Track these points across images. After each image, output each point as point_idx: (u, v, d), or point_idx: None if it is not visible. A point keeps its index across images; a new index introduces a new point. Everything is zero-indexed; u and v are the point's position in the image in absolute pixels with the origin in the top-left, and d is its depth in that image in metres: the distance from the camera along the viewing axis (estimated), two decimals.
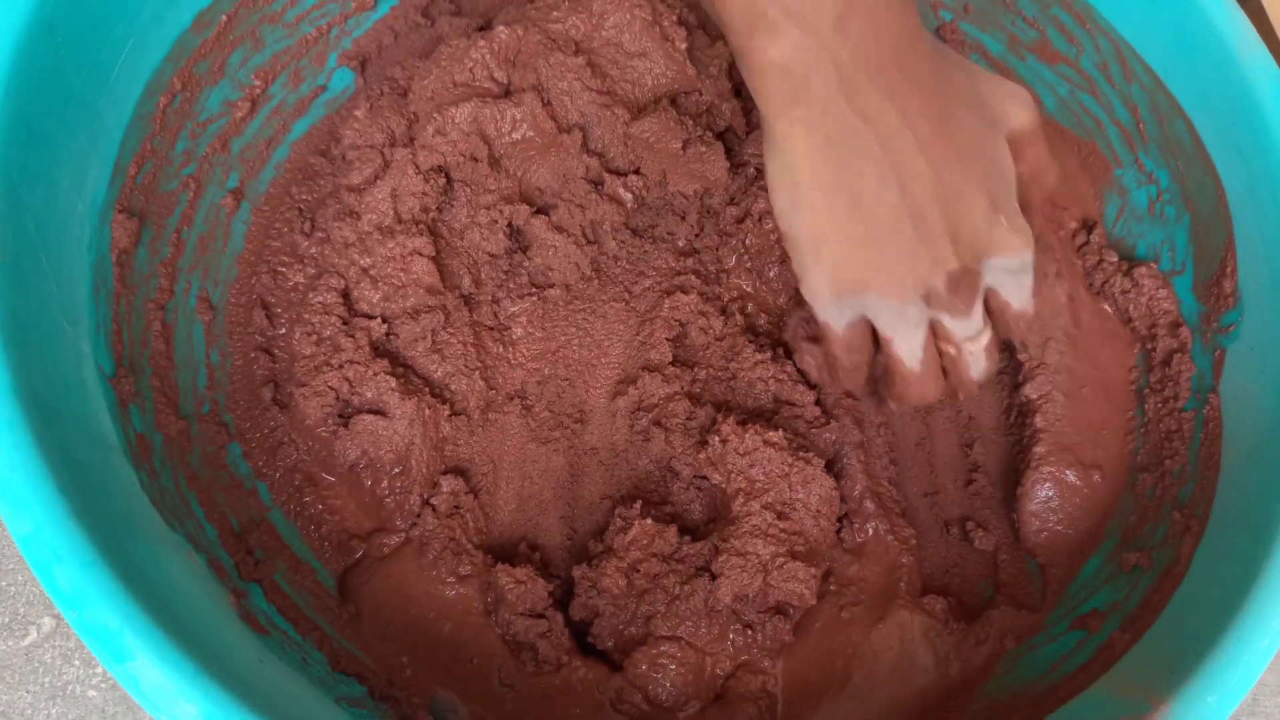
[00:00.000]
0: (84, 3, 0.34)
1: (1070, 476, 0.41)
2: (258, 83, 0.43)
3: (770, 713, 0.37)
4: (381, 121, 0.43)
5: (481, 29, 0.45)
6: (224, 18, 0.40)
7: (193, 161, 0.40)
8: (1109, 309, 0.44)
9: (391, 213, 0.41)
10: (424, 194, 0.41)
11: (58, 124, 0.33)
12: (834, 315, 0.35)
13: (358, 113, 0.44)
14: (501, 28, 0.42)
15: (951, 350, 0.36)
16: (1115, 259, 0.44)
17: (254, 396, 0.40)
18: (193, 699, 0.26)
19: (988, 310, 0.36)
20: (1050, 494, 0.41)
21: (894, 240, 0.32)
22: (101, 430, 0.32)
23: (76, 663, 0.41)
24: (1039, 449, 0.41)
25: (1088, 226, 0.46)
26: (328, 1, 0.44)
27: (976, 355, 0.36)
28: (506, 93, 0.43)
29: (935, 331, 0.35)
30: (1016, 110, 0.34)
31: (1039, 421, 0.42)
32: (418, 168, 0.41)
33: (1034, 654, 0.38)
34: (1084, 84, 0.46)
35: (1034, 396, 0.42)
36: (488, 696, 0.37)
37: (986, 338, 0.36)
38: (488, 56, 0.42)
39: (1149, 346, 0.43)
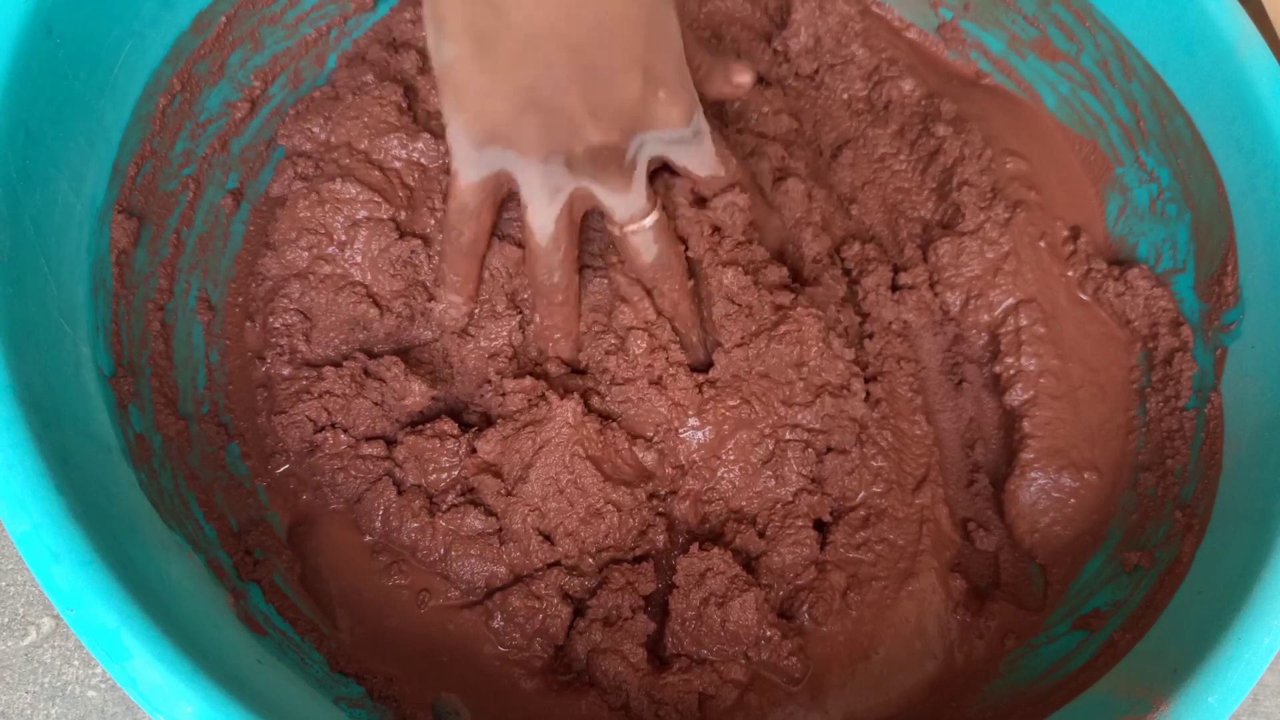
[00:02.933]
0: (82, 4, 0.34)
1: (1065, 479, 0.41)
2: (257, 83, 0.43)
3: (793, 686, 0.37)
4: (304, 126, 0.43)
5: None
6: (223, 19, 0.40)
7: (192, 162, 0.40)
8: (1103, 313, 0.44)
9: (300, 241, 0.41)
10: (320, 228, 0.40)
11: (56, 125, 0.33)
12: (470, 165, 0.35)
13: (288, 112, 0.43)
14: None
15: (615, 231, 0.36)
16: (1104, 265, 0.44)
17: (253, 397, 0.40)
18: (190, 699, 0.26)
19: (678, 178, 0.37)
20: (1036, 498, 0.41)
21: (535, 104, 0.32)
22: (100, 431, 0.32)
23: (76, 663, 0.41)
24: (1025, 454, 0.41)
25: (1075, 235, 0.45)
26: (327, 3, 0.44)
27: (643, 238, 0.36)
28: (400, 223, 0.41)
29: (602, 213, 0.36)
30: None
31: (1026, 426, 0.42)
32: (308, 205, 0.41)
33: (1036, 654, 0.38)
34: (1085, 82, 0.46)
35: (1017, 403, 0.42)
36: (491, 703, 0.36)
37: (652, 220, 0.36)
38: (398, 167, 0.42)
39: (1150, 346, 0.43)
